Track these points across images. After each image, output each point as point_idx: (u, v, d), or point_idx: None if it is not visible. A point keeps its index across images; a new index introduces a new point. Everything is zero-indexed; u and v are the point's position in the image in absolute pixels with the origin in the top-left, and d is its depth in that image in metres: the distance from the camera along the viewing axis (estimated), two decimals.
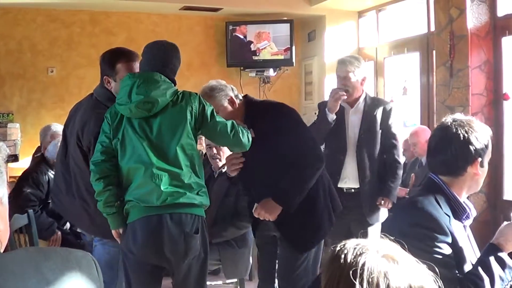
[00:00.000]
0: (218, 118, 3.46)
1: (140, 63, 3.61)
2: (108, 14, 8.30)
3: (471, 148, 2.43)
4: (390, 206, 4.73)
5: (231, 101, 3.80)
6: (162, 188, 3.30)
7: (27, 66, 7.89)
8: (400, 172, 4.89)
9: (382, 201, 4.71)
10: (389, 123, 4.76)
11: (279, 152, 3.68)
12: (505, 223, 2.35)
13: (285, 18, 8.57)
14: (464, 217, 2.45)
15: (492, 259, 2.27)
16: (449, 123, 2.48)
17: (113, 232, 3.50)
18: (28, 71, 7.89)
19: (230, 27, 8.56)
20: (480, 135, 2.44)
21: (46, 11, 7.98)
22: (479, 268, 2.27)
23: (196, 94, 3.49)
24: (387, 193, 4.73)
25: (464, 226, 2.47)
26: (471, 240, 2.49)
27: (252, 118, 3.78)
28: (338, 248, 1.40)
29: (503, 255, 2.30)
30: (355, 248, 1.38)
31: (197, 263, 3.47)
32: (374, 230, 4.69)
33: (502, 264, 2.27)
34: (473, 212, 2.49)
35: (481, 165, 2.44)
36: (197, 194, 3.41)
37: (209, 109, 3.45)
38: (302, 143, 3.76)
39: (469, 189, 2.49)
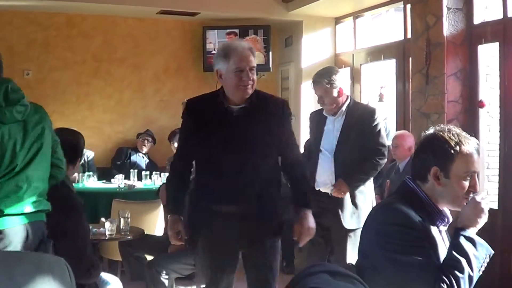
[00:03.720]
0: None
1: None
2: (84, 17, 8.25)
3: (430, 154, 2.43)
4: (345, 190, 4.61)
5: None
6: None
7: (3, 68, 7.79)
8: (372, 172, 4.70)
9: (337, 185, 4.62)
10: (372, 126, 4.69)
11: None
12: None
13: (262, 24, 8.59)
14: (438, 222, 2.45)
15: (462, 239, 2.31)
16: (433, 129, 2.51)
17: None
18: (3, 74, 7.78)
19: (207, 32, 8.56)
20: (445, 145, 2.40)
21: (23, 14, 7.93)
22: (453, 252, 2.29)
23: None
24: (348, 178, 4.62)
25: (439, 231, 2.47)
26: (446, 245, 2.48)
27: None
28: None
29: (471, 233, 2.34)
30: None
31: None
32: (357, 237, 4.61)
33: (473, 242, 2.31)
34: (449, 218, 2.49)
35: (446, 176, 2.39)
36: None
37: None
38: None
39: (442, 200, 2.44)
